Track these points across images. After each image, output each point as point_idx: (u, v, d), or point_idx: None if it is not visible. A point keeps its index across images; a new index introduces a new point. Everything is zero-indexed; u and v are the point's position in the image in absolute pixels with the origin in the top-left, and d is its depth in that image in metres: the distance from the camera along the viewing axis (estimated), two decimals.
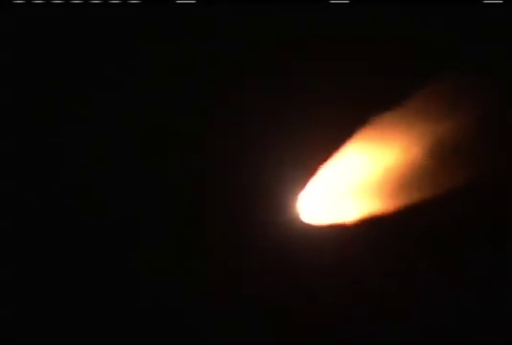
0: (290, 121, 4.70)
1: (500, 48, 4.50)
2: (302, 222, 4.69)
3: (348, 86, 4.62)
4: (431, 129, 4.51)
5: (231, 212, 4.70)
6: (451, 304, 4.61)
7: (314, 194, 4.67)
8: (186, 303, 4.66)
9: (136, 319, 4.64)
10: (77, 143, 4.73)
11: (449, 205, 4.55)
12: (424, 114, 4.53)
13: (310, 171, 4.64)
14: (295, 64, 4.68)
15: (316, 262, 4.62)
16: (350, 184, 4.61)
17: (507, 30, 4.51)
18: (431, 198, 4.50)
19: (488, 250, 4.62)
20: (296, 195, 4.69)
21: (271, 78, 4.69)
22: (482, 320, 4.57)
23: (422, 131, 4.51)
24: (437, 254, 4.63)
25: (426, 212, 4.55)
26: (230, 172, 4.70)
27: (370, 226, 4.57)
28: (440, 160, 4.52)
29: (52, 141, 4.72)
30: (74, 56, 4.71)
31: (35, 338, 4.55)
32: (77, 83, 4.72)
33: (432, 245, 4.64)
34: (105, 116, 4.74)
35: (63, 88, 4.72)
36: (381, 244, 4.63)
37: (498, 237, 4.61)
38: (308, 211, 4.69)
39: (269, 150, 4.68)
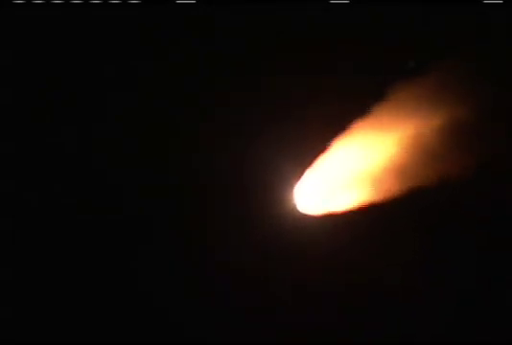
0: (289, 120, 4.71)
1: (500, 48, 4.50)
2: (299, 213, 4.70)
3: (347, 86, 4.62)
4: (427, 123, 4.51)
5: (230, 206, 4.71)
6: (448, 293, 4.63)
7: (311, 185, 4.68)
8: (186, 303, 4.67)
9: (136, 319, 4.64)
10: (77, 143, 4.73)
11: (445, 195, 4.56)
12: (421, 111, 4.54)
13: (306, 162, 4.65)
14: (295, 64, 4.68)
15: (313, 252, 4.63)
16: (345, 175, 4.62)
17: (507, 30, 4.51)
18: (427, 189, 4.51)
19: (487, 240, 4.63)
20: (293, 186, 4.70)
21: (271, 78, 4.69)
22: (481, 315, 4.58)
23: (417, 124, 4.52)
24: (433, 243, 4.65)
25: (421, 202, 4.56)
26: (229, 168, 4.70)
27: (366, 216, 4.58)
28: (434, 152, 4.53)
29: (52, 141, 4.72)
30: (74, 56, 4.71)
31: (36, 338, 4.56)
32: (77, 83, 4.72)
33: (428, 235, 4.65)
34: (105, 116, 4.74)
35: (63, 88, 4.72)
36: (377, 234, 4.64)
37: (496, 228, 4.63)
38: (304, 202, 4.70)
39: (267, 143, 4.68)
